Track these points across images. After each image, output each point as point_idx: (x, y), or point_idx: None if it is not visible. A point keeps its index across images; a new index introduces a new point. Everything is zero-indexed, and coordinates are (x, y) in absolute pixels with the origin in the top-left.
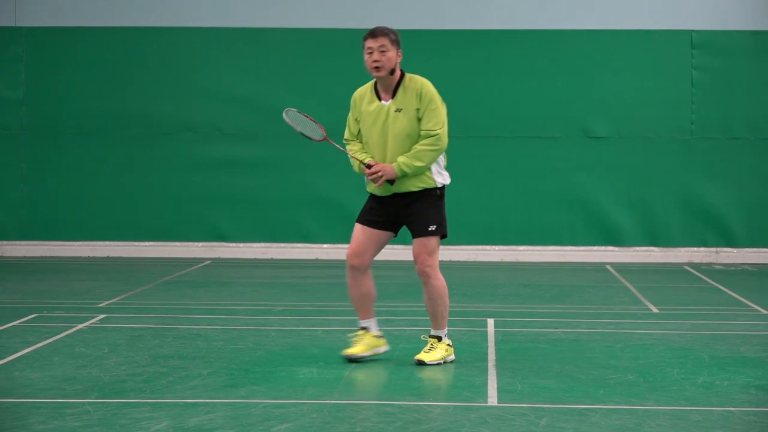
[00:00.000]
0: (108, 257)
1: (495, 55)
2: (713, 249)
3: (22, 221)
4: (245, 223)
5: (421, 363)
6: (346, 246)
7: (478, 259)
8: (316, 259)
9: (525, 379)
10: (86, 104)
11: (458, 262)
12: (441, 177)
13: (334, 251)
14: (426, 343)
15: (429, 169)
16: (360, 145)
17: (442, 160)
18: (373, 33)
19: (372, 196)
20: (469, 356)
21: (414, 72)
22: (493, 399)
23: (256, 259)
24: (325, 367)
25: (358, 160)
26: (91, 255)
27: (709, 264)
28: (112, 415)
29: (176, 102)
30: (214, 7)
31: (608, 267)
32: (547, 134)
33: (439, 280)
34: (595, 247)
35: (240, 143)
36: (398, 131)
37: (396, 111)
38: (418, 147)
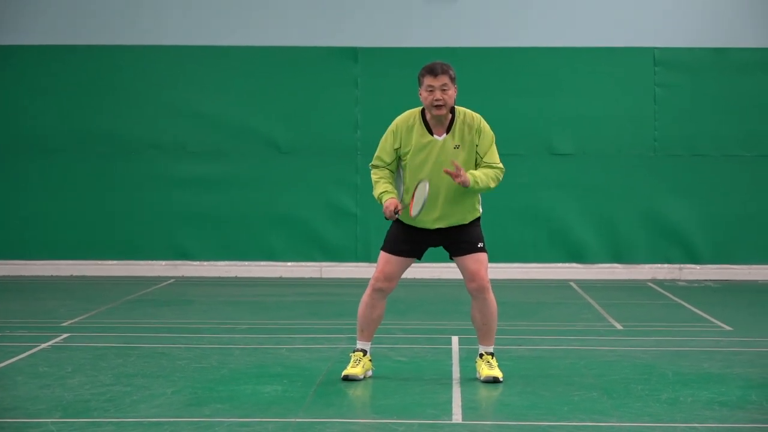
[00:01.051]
0: (71, 276)
1: (459, 73)
2: (677, 266)
3: None
4: (209, 242)
5: (496, 380)
6: (310, 264)
7: (442, 277)
8: (280, 278)
9: (489, 396)
10: (50, 122)
11: (422, 279)
12: (480, 206)
13: (298, 269)
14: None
15: (478, 199)
16: (387, 172)
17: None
18: (434, 71)
19: (405, 225)
20: (433, 374)
21: (377, 90)
22: (457, 416)
23: (220, 278)
24: (289, 385)
25: (379, 195)
26: (54, 274)
27: (673, 280)
28: None
29: (140, 120)
30: (179, 26)
31: (572, 284)
32: (512, 151)
33: (493, 297)
34: (559, 264)
35: (204, 161)
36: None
37: (455, 147)
38: (489, 172)
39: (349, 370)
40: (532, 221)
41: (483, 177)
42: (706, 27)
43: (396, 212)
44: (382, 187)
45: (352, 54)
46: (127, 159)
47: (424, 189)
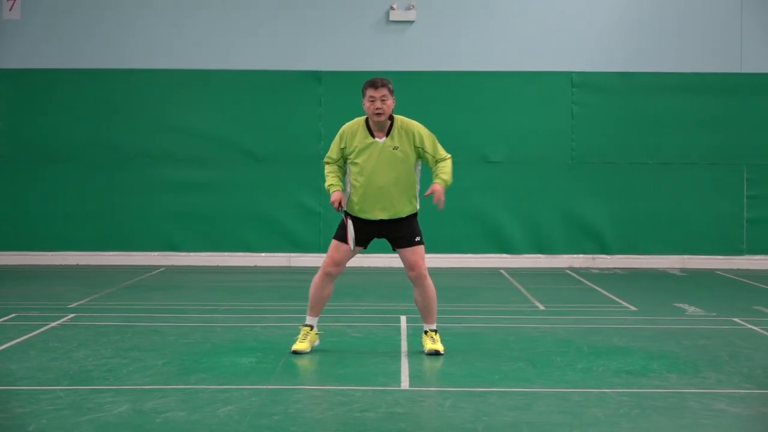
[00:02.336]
0: (77, 265)
1: (408, 93)
2: (590, 256)
3: (2, 235)
4: (194, 235)
5: (437, 353)
6: (280, 254)
7: (392, 266)
8: (255, 266)
9: (432, 366)
10: (58, 135)
11: (376, 268)
12: (418, 202)
13: (270, 259)
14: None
15: (415, 196)
16: (336, 167)
17: (418, 188)
18: (375, 84)
19: (353, 218)
20: (384, 347)
21: (338, 108)
22: (405, 384)
23: (203, 266)
24: (262, 358)
25: (328, 186)
26: (62, 263)
27: (587, 268)
28: (80, 400)
29: (135, 133)
30: (168, 52)
31: (502, 271)
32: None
33: (431, 282)
34: (491, 255)
35: (190, 168)
36: (395, 164)
37: (393, 149)
38: (442, 165)
39: (297, 346)
40: (468, 218)
41: (447, 178)
42: (616, 55)
43: (340, 206)
44: (330, 179)
45: (317, 77)
46: (124, 166)
47: (350, 226)
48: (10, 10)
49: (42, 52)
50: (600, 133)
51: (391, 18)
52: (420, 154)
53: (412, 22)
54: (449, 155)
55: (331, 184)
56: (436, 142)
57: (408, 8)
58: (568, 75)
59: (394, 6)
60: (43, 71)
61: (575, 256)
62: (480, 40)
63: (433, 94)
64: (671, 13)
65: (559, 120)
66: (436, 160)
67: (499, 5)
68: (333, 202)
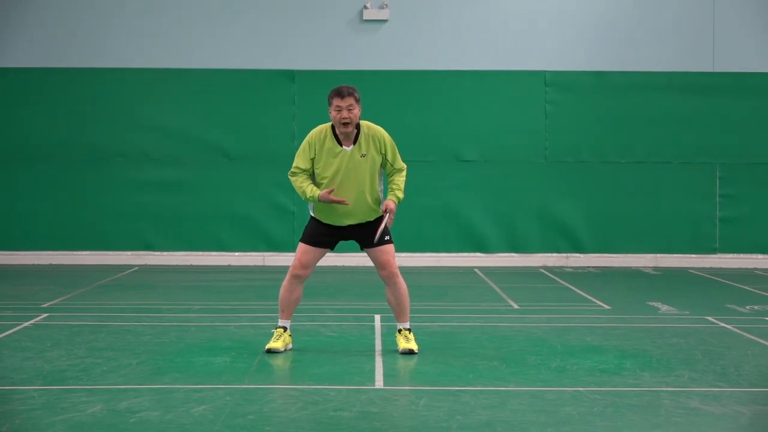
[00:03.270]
0: (50, 264)
1: (381, 93)
2: (564, 255)
3: None
4: (168, 235)
5: (411, 352)
6: (255, 254)
7: (366, 265)
8: (229, 266)
9: (406, 365)
10: (31, 134)
11: (350, 267)
12: (382, 204)
13: (245, 258)
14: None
15: (380, 200)
16: (306, 176)
17: (382, 191)
18: (341, 93)
19: (319, 221)
20: (359, 347)
21: (311, 107)
22: (379, 383)
23: (178, 266)
24: (237, 357)
25: (335, 200)
26: (35, 263)
27: (561, 267)
28: (54, 400)
29: (111, 132)
30: (142, 52)
31: (476, 270)
32: (425, 158)
33: (403, 281)
34: (465, 254)
35: (164, 167)
36: (363, 171)
37: (361, 156)
38: (398, 180)
39: (272, 344)
40: (442, 217)
41: (401, 193)
42: (589, 54)
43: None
44: (309, 187)
45: (290, 76)
46: (98, 166)
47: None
48: None
49: (18, 52)
50: (574, 132)
51: (365, 17)
52: (382, 161)
53: (385, 21)
54: (405, 166)
55: (313, 189)
56: (397, 150)
57: (381, 7)
58: (541, 74)
59: (368, 5)
60: (23, 70)
61: (549, 254)
62: (453, 39)
63: (406, 93)
64: (644, 13)
65: (533, 119)
66: (394, 169)
67: (472, 4)
68: (329, 199)
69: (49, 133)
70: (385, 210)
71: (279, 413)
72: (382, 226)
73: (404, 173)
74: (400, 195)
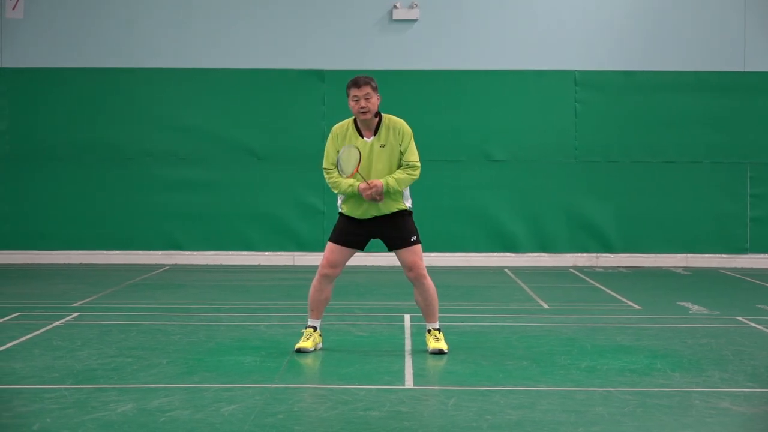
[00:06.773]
0: (81, 264)
1: (410, 92)
2: (594, 254)
3: (5, 234)
4: (198, 235)
5: (441, 351)
6: (284, 253)
7: (397, 264)
8: (258, 265)
9: (436, 365)
10: (61, 134)
11: (380, 266)
12: (409, 202)
13: (274, 258)
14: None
15: (402, 194)
16: (338, 171)
17: (407, 188)
18: (357, 83)
19: (347, 218)
20: (388, 346)
21: (341, 106)
22: (409, 382)
23: (207, 265)
24: (266, 357)
25: (348, 187)
26: (66, 262)
27: (591, 267)
28: (84, 399)
29: (138, 131)
30: (170, 51)
31: (506, 270)
32: (455, 158)
33: (431, 281)
34: (495, 253)
35: (193, 166)
36: (383, 162)
37: (381, 147)
38: (400, 173)
39: (301, 344)
40: (471, 217)
41: (394, 182)
42: (618, 54)
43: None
44: (344, 181)
45: (320, 75)
46: (127, 165)
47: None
48: (14, 8)
49: (44, 52)
50: (603, 132)
51: (395, 17)
52: (400, 152)
53: (415, 20)
54: (418, 164)
55: (349, 184)
56: (413, 145)
57: (411, 7)
58: (571, 73)
59: (398, 5)
60: (45, 70)
61: (579, 254)
62: (482, 39)
63: (435, 93)
64: (675, 12)
65: (563, 119)
66: (405, 163)
67: (502, 4)
68: (370, 190)
69: (79, 134)
70: (372, 183)
71: (308, 413)
72: (369, 193)
73: (411, 172)
74: (392, 182)
